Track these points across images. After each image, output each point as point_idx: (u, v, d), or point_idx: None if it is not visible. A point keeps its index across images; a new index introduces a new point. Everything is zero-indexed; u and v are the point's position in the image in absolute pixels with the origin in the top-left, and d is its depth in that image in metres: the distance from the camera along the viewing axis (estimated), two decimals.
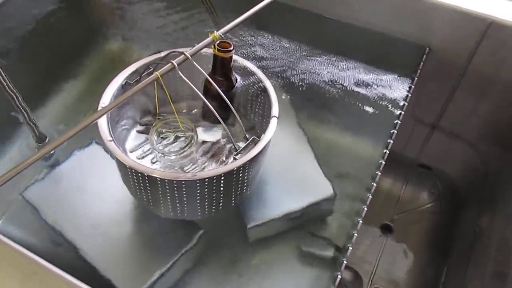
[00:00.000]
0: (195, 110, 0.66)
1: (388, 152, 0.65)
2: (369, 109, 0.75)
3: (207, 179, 0.50)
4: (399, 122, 0.68)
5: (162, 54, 0.58)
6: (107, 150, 0.66)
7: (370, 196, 0.61)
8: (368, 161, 0.69)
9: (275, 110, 0.56)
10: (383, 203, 0.91)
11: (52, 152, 0.69)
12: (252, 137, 0.54)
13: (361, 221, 0.59)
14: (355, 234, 0.58)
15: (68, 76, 0.85)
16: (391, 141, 0.66)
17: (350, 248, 0.57)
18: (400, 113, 0.68)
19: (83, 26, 0.92)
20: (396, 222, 0.90)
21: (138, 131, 0.62)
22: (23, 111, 0.65)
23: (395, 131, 0.67)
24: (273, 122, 0.54)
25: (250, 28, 0.82)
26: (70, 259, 0.59)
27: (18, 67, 0.76)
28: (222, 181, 0.51)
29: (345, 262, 0.56)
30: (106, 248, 0.59)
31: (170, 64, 0.50)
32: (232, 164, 0.50)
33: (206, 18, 0.79)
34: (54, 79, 0.84)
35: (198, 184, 0.50)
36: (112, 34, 0.91)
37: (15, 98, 0.63)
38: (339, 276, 0.54)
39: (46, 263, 0.38)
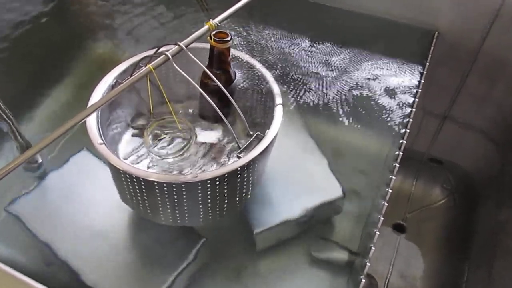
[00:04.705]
0: (191, 110, 0.62)
1: (401, 153, 0.61)
2: (378, 101, 0.72)
3: (209, 181, 0.46)
4: (411, 119, 0.64)
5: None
6: (98, 156, 0.62)
7: (386, 204, 0.57)
8: (377, 157, 0.67)
9: (278, 99, 0.52)
10: (394, 201, 0.87)
11: (40, 162, 0.65)
12: (256, 133, 0.50)
13: (378, 233, 0.55)
14: (372, 248, 0.54)
15: (54, 82, 0.82)
16: (404, 141, 0.62)
17: (372, 249, 0.53)
18: (413, 101, 0.65)
19: (70, 30, 0.89)
20: (408, 220, 0.87)
21: (133, 134, 0.58)
22: (7, 120, 0.61)
23: (407, 130, 0.63)
24: (279, 111, 0.50)
25: (246, 21, 0.79)
26: (62, 278, 0.55)
27: (1, 73, 0.73)
28: (225, 182, 0.47)
29: (368, 264, 0.52)
30: (102, 264, 0.55)
31: (163, 56, 0.45)
32: (236, 162, 0.46)
33: (199, 19, 0.76)
34: (40, 86, 0.81)
35: (199, 187, 0.46)
36: (100, 38, 0.88)
37: None
38: (363, 280, 0.49)
39: (34, 283, 0.33)
